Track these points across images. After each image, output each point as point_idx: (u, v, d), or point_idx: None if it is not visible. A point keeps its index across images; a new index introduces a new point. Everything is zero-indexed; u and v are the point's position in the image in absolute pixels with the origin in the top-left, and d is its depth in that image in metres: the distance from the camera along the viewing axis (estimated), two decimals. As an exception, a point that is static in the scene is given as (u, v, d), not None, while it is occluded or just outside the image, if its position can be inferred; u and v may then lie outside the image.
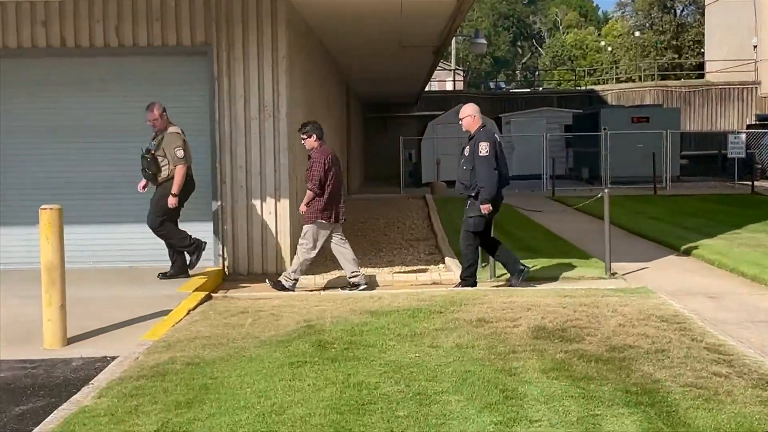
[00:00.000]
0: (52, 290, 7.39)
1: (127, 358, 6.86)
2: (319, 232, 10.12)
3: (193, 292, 9.55)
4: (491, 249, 10.37)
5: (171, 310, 8.63)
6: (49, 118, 11.33)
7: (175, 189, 10.16)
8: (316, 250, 10.18)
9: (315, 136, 10.13)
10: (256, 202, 11.16)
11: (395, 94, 30.91)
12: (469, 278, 10.06)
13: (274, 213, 11.16)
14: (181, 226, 11.03)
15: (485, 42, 26.38)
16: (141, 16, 11.05)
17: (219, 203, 11.12)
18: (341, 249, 10.28)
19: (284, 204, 11.17)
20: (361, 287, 10.10)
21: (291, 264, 10.27)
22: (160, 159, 10.22)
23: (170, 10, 11.05)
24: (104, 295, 9.61)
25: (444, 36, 15.49)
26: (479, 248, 10.23)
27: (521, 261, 10.34)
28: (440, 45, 16.74)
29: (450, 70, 53.46)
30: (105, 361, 6.91)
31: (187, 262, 10.37)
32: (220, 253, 11.17)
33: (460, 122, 10.12)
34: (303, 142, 10.26)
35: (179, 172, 10.18)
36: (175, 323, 8.10)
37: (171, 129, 10.30)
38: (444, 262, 12.10)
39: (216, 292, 9.95)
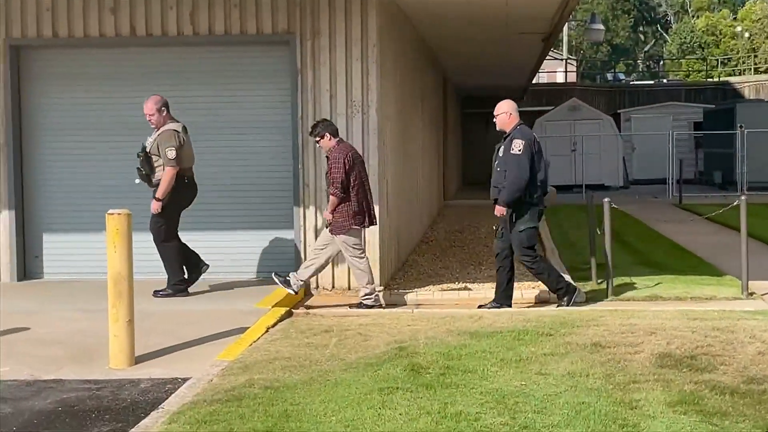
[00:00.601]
0: (119, 304, 7.57)
1: (200, 380, 6.99)
2: (358, 238, 10.24)
3: (272, 307, 9.67)
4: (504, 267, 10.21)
5: (248, 328, 8.76)
6: (114, 115, 11.62)
7: (159, 193, 10.24)
8: (366, 253, 10.33)
9: (328, 134, 10.15)
10: (342, 209, 11.22)
11: (498, 87, 30.77)
12: (566, 295, 10.05)
13: (362, 220, 11.20)
14: (262, 234, 11.23)
15: (602, 27, 26.15)
16: (218, 2, 11.26)
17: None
18: (318, 254, 10.32)
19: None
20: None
21: (358, 282, 10.33)
22: (154, 159, 10.34)
23: (250, -6, 11.24)
24: (174, 309, 9.81)
25: (555, 21, 15.38)
26: (551, 263, 10.21)
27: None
28: (551, 31, 16.62)
29: (561, 59, 53.04)
30: (176, 382, 7.05)
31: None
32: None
33: (494, 120, 10.15)
34: (318, 145, 10.31)
35: (167, 175, 10.23)
36: (253, 342, 8.22)
37: (168, 126, 10.40)
38: (553, 278, 11.98)
39: (297, 308, 10.06)
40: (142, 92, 11.53)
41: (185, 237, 10.97)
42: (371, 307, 10.07)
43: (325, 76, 11.17)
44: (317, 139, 10.19)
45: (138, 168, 10.42)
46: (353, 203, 10.05)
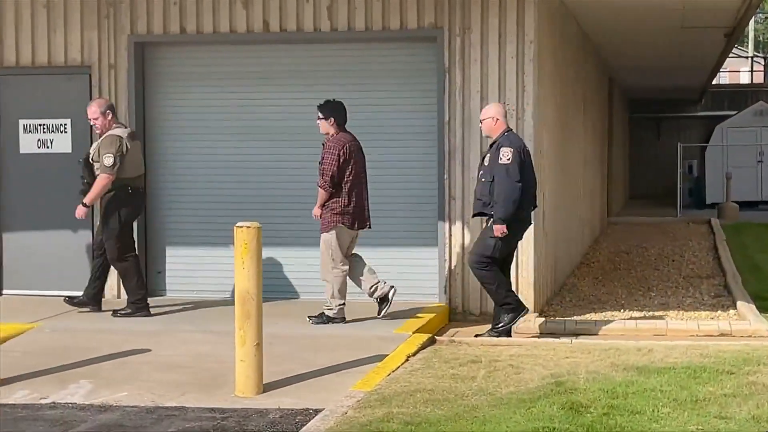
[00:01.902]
0: (246, 325, 7.71)
1: (333, 412, 7.06)
2: (343, 241, 10.29)
3: (413, 333, 9.72)
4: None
5: (386, 355, 8.82)
6: (243, 117, 11.86)
7: (87, 199, 10.52)
8: (347, 263, 10.38)
9: (333, 119, 10.26)
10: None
11: (672, 89, 30.23)
12: (511, 312, 10.02)
13: (515, 238, 11.17)
14: (401, 251, 11.31)
15: (795, 20, 25.35)
16: (359, -5, 11.41)
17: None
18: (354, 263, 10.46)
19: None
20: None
21: (326, 293, 10.42)
22: (96, 166, 10.58)
23: (394, -14, 11.34)
24: (305, 332, 9.97)
25: (740, 14, 15.03)
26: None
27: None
28: (734, 26, 16.24)
29: (746, 57, 51.74)
30: (307, 414, 7.14)
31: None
32: (447, 286, 11.29)
33: (480, 124, 10.20)
34: (317, 123, 10.38)
35: (101, 182, 10.46)
36: (391, 371, 8.27)
37: (112, 131, 10.62)
38: (735, 308, 11.70)
39: (441, 335, 10.08)
40: (275, 92, 11.80)
41: (312, 253, 11.12)
42: (332, 319, 10.23)
43: (476, 75, 11.18)
44: (320, 116, 10.32)
45: (81, 176, 10.83)
46: (343, 200, 10.20)
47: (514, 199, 9.78)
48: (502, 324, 10.04)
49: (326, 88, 11.63)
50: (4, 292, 11.77)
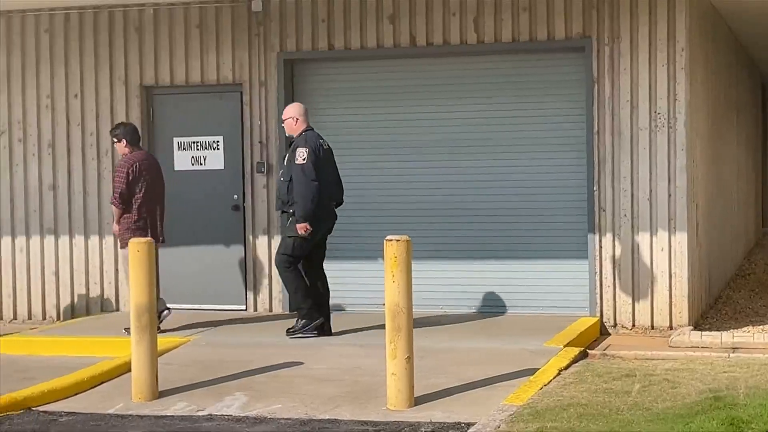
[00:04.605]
0: (397, 339, 7.75)
1: (485, 425, 7.03)
2: None
3: (564, 347, 9.61)
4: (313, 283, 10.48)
5: (537, 369, 8.76)
6: (390, 131, 11.91)
7: None
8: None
9: (125, 140, 10.70)
10: (644, 236, 11.03)
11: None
12: (303, 319, 10.28)
13: (667, 250, 10.96)
14: (549, 264, 11.26)
15: None
16: (505, 6, 11.35)
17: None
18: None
19: (680, 238, 10.94)
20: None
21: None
22: None
23: (541, -3, 11.26)
24: (454, 347, 9.94)
25: None
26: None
27: None
28: None
29: None
30: (459, 427, 7.15)
31: None
32: (598, 299, 11.14)
33: (282, 125, 10.54)
34: (115, 147, 10.90)
35: None
36: (544, 385, 8.21)
37: None
38: None
39: (593, 349, 9.96)
40: (423, 106, 11.82)
41: (459, 266, 11.13)
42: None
43: (625, 85, 11.01)
44: (114, 140, 10.77)
45: None
46: (134, 216, 10.57)
47: (311, 198, 10.00)
48: (292, 328, 10.31)
49: (474, 100, 11.65)
50: (161, 306, 12.04)
